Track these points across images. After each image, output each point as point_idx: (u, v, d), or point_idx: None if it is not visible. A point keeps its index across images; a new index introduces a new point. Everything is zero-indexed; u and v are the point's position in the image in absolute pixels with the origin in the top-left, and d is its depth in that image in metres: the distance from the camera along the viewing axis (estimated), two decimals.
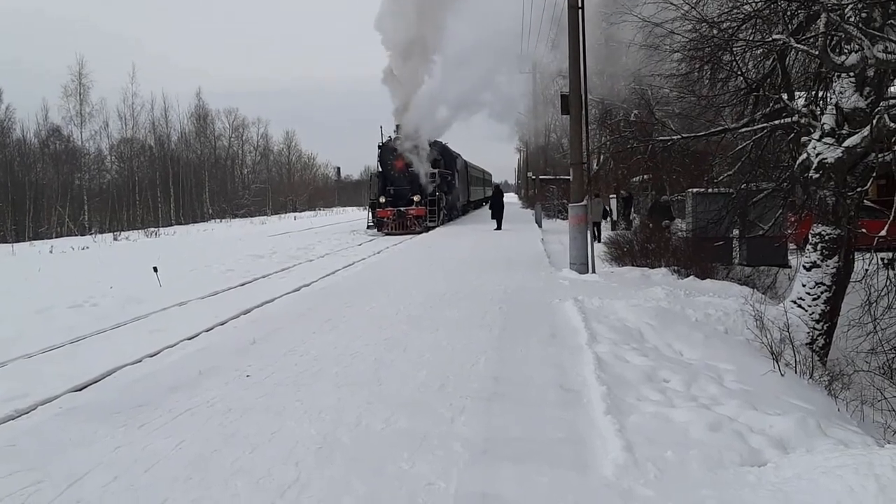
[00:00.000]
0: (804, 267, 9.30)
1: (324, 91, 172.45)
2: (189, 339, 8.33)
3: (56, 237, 44.46)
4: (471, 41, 29.23)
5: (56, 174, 57.08)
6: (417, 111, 29.71)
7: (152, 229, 44.51)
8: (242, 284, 13.47)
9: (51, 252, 26.10)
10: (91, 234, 44.45)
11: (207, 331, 8.79)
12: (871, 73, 8.16)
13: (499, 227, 27.11)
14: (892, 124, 6.99)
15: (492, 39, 28.83)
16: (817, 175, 8.72)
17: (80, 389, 6.28)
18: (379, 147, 30.15)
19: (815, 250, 9.13)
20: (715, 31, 10.10)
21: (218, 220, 61.35)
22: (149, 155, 66.62)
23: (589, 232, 13.81)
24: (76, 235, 44.06)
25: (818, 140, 8.68)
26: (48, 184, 56.31)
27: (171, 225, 55.63)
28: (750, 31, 10.11)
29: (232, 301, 11.24)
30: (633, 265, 13.96)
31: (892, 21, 7.94)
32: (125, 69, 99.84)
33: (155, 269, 13.37)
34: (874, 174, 8.57)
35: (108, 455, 4.54)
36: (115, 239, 35.20)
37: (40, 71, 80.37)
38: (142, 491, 4.02)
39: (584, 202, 13.97)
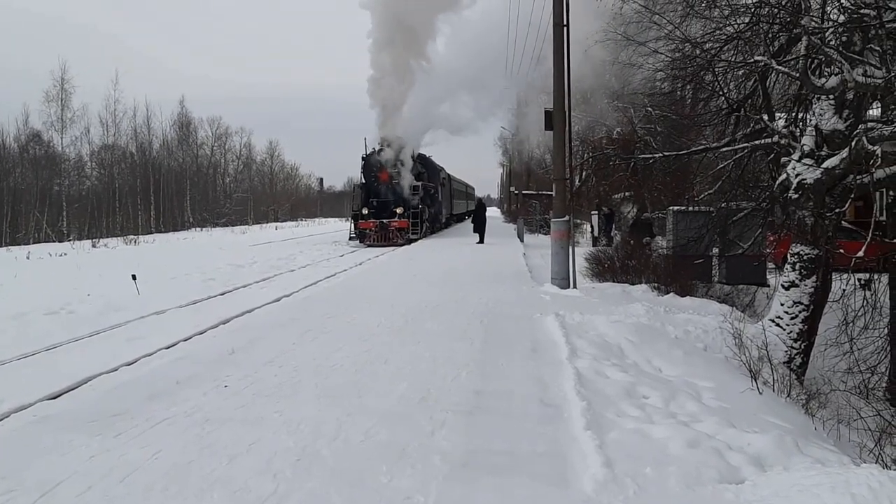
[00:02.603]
0: (782, 286, 9.39)
1: (309, 101, 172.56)
2: (167, 348, 8.24)
3: (34, 243, 43.89)
4: (457, 56, 29.45)
5: (35, 179, 56.43)
6: (402, 124, 29.78)
7: (132, 237, 44.03)
8: (222, 294, 13.38)
9: (28, 258, 25.75)
10: (69, 240, 43.97)
11: (186, 340, 8.71)
12: (850, 95, 8.30)
13: (481, 241, 27.15)
14: (870, 147, 7.10)
15: (478, 54, 29.05)
16: (796, 195, 8.84)
17: (55, 397, 6.20)
18: (363, 158, 30.16)
19: (794, 270, 9.23)
20: (698, 52, 10.23)
21: (199, 229, 60.83)
22: (130, 162, 66.08)
23: (571, 248, 13.85)
24: (54, 242, 43.54)
25: (798, 161, 8.81)
26: (27, 189, 55.63)
27: (151, 233, 55.11)
28: (732, 51, 10.26)
29: (211, 310, 11.15)
30: (614, 281, 14.04)
31: (871, 45, 8.08)
32: (109, 74, 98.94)
33: (133, 277, 13.24)
34: (852, 195, 8.69)
35: (83, 464, 4.47)
36: (93, 246, 34.76)
37: (22, 72, 79.67)
38: (116, 501, 3.96)
39: (567, 218, 14.04)
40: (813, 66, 8.75)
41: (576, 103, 21.88)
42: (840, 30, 7.93)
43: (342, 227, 42.77)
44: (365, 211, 29.09)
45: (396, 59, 30.18)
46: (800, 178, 8.74)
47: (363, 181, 30.40)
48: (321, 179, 70.01)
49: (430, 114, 31.19)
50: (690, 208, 15.01)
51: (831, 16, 8.14)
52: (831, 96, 8.37)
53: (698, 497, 4.01)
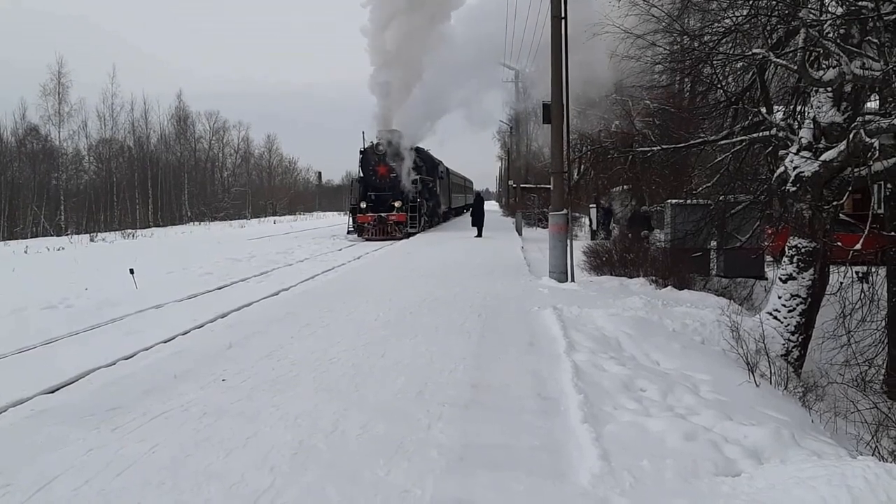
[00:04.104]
0: (780, 279, 9.39)
1: (307, 95, 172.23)
2: (165, 342, 8.23)
3: (32, 237, 43.83)
4: (456, 50, 29.33)
5: (33, 174, 56.31)
6: (401, 117, 29.69)
7: (130, 231, 44.01)
8: (220, 288, 13.36)
9: (26, 252, 25.74)
10: (67, 234, 43.90)
11: (184, 334, 8.70)
12: (848, 88, 8.28)
13: (479, 235, 27.15)
14: (868, 139, 7.10)
15: (477, 49, 28.92)
16: (794, 188, 8.84)
17: (52, 391, 6.19)
18: (361, 152, 30.09)
19: (791, 263, 9.23)
20: (696, 44, 10.20)
21: (197, 223, 60.79)
22: (128, 156, 65.97)
23: (569, 241, 13.83)
24: (52, 236, 43.47)
25: (796, 154, 8.80)
26: (24, 183, 55.51)
27: (149, 227, 55.08)
28: (730, 44, 10.23)
29: (209, 304, 11.14)
30: (611, 274, 14.02)
31: (869, 38, 8.06)
32: (106, 69, 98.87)
33: (131, 271, 13.23)
34: (850, 188, 8.70)
35: (80, 458, 4.47)
36: (91, 240, 34.73)
37: (19, 67, 79.41)
38: (113, 495, 3.96)
39: (565, 211, 14.03)
40: (811, 58, 8.73)
41: (586, 104, 21.86)
42: (838, 22, 7.91)
43: (340, 221, 42.71)
44: (363, 205, 29.02)
45: (397, 53, 30.06)
46: (798, 170, 8.73)
47: (361, 175, 30.35)
48: (319, 173, 69.45)
49: (430, 107, 31.06)
50: (688, 201, 14.97)
51: (829, 8, 8.12)
52: (829, 89, 8.35)
53: (695, 490, 4.02)
